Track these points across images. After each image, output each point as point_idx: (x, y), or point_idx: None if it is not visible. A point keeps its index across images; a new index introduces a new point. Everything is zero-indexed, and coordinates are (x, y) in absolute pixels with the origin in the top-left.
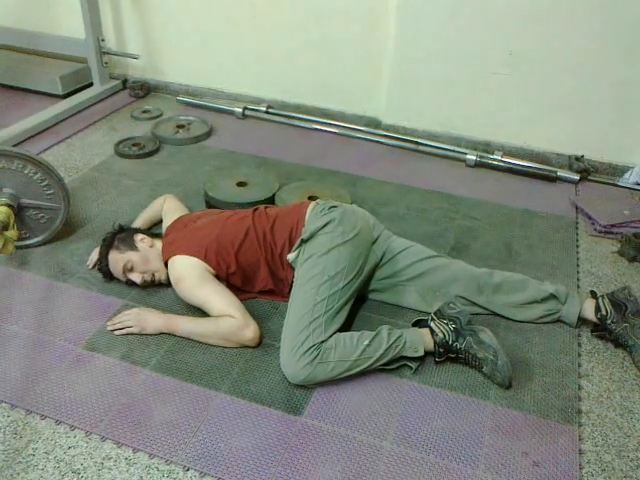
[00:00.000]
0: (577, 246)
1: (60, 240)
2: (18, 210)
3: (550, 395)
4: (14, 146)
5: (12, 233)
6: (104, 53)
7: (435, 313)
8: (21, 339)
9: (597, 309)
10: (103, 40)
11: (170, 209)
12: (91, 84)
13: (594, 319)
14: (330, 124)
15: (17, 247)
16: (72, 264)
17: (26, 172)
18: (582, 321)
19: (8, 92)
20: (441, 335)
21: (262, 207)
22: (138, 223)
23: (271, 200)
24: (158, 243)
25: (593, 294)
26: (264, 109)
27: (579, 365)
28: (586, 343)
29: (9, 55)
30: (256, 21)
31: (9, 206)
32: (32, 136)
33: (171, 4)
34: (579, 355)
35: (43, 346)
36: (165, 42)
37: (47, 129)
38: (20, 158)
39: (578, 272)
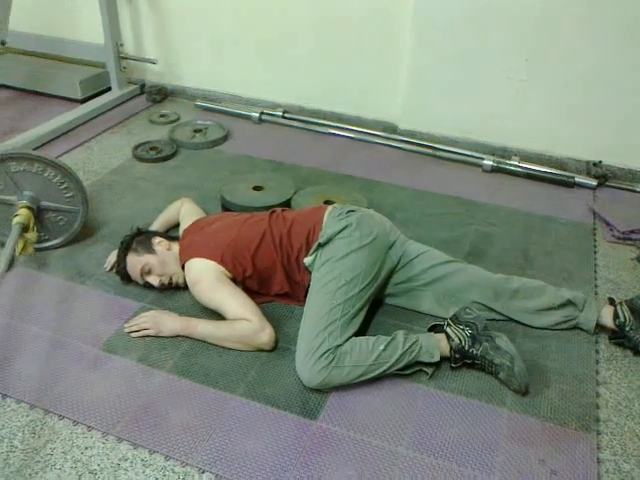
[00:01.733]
0: (595, 252)
1: (78, 242)
2: (38, 212)
3: (567, 402)
4: (34, 149)
5: (32, 235)
6: (122, 58)
7: (451, 318)
8: (40, 340)
9: (615, 316)
10: (122, 45)
11: (187, 212)
12: (109, 89)
13: (612, 326)
14: (346, 129)
15: (36, 249)
16: (90, 266)
17: (46, 175)
18: (600, 328)
19: (29, 97)
20: (457, 340)
21: (279, 210)
22: (155, 226)
23: (287, 204)
24: (175, 246)
25: (611, 301)
26: (280, 114)
27: (597, 372)
28: (604, 350)
29: (30, 60)
30: (272, 26)
31: (29, 208)
32: (52, 140)
33: (189, 10)
34: (597, 362)
35: (61, 347)
36: (182, 47)
37: (66, 133)
38: (40, 161)
39: (596, 279)
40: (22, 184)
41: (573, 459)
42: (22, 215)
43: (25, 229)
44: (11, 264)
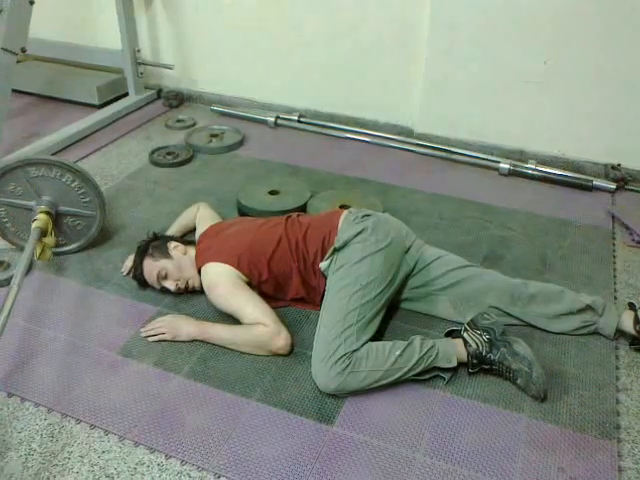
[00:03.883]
0: (614, 257)
1: (95, 247)
2: (56, 217)
3: (587, 409)
4: (53, 154)
5: (50, 240)
6: (139, 64)
7: (468, 323)
8: (58, 344)
9: (636, 321)
10: (139, 51)
11: (203, 217)
12: (126, 94)
13: (632, 331)
14: (362, 133)
15: (54, 253)
16: (107, 271)
17: (64, 180)
18: (620, 333)
19: (48, 102)
20: (474, 346)
21: (295, 215)
22: (172, 231)
23: (303, 208)
24: (191, 251)
25: (631, 306)
26: (296, 118)
27: (617, 378)
28: (624, 356)
29: (49, 67)
30: (289, 31)
31: (47, 213)
32: (70, 145)
33: (205, 16)
34: (617, 368)
35: (79, 351)
36: (199, 53)
37: (84, 138)
38: (59, 166)
39: (615, 283)
40: (41, 189)
41: (593, 467)
42: (41, 220)
43: (43, 234)
44: (29, 268)
